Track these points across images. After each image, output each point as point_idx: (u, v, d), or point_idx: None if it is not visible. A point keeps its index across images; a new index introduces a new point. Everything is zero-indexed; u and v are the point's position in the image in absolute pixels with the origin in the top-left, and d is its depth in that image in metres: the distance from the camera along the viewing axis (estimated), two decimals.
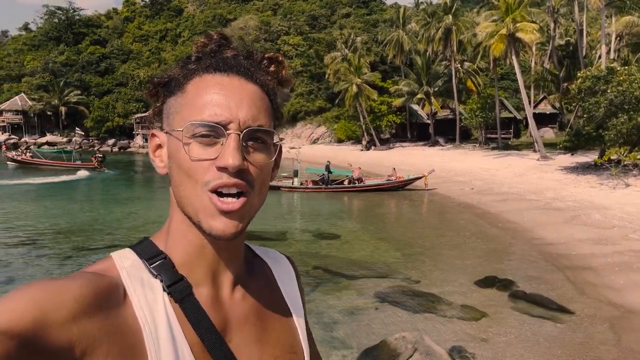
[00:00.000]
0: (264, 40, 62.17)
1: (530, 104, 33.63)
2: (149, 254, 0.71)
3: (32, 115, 62.76)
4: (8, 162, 33.70)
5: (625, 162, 17.79)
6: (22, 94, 63.71)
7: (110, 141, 62.19)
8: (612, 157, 17.76)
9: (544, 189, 17.51)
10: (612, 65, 20.03)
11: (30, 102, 62.61)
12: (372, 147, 44.31)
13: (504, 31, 28.46)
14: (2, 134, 62.09)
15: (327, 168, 21.32)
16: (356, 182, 21.13)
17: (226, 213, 0.65)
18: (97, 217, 14.89)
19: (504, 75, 49.31)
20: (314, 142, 54.15)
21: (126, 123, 62.74)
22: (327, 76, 48.75)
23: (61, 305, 0.55)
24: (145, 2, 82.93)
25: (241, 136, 0.66)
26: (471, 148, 38.22)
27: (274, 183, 22.03)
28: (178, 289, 0.69)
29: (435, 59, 44.98)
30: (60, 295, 0.56)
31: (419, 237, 12.42)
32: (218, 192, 0.65)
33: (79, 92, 63.41)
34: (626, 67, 18.96)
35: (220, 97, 0.67)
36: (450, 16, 39.86)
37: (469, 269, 9.12)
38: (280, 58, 0.77)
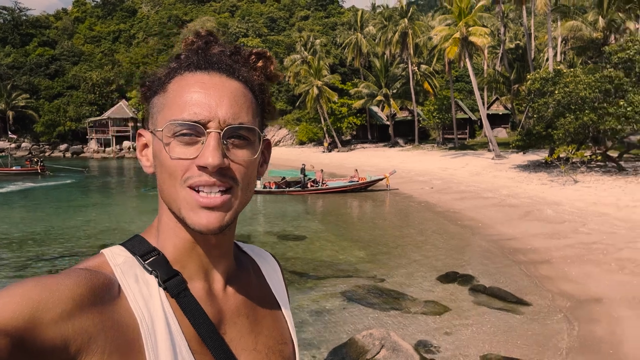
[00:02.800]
0: None
1: (484, 105, 34.71)
2: (142, 250, 0.71)
3: None
4: None
5: (573, 160, 18.76)
6: None
7: (62, 146, 59.61)
8: (560, 155, 18.67)
9: (499, 186, 18.19)
10: (558, 67, 21.06)
11: None
12: (334, 149, 44.67)
13: (457, 35, 29.27)
14: None
15: (302, 171, 21.41)
16: (319, 184, 21.30)
17: (208, 208, 0.66)
18: (52, 225, 14.26)
19: (459, 78, 50.74)
20: (276, 144, 53.98)
21: (79, 127, 60.17)
22: (287, 79, 48.73)
23: (56, 302, 0.55)
24: (97, 2, 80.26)
25: (221, 134, 0.66)
26: (430, 148, 39.06)
27: None
28: (173, 284, 0.69)
29: (393, 62, 45.80)
30: (54, 293, 0.55)
31: (383, 236, 12.65)
32: (196, 188, 0.67)
33: (27, 95, 60.48)
34: (572, 69, 19.99)
35: (200, 96, 0.67)
36: (407, 20, 40.71)
37: (431, 266, 9.39)
38: (268, 53, 0.77)
